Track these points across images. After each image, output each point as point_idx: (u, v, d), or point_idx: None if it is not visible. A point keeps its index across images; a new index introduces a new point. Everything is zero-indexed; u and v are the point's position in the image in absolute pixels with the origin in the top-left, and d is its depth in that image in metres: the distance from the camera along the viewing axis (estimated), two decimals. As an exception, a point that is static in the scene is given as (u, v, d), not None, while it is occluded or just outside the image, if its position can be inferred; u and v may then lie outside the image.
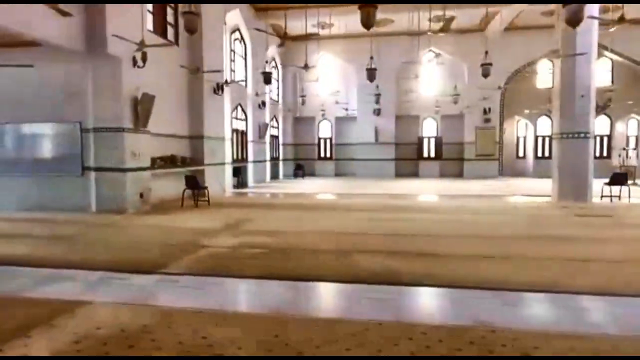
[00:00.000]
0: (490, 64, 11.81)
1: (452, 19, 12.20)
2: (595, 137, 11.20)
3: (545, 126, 19.90)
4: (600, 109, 13.99)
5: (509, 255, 5.01)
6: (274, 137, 19.71)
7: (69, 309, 3.22)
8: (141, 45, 7.59)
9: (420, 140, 21.03)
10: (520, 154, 21.02)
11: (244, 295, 3.92)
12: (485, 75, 12.02)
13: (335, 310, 3.45)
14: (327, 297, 3.86)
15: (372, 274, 4.23)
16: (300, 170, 20.51)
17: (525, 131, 20.78)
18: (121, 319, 3.04)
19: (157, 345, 2.62)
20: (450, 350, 2.58)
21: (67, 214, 8.12)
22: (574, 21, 5.91)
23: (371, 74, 12.31)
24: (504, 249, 5.40)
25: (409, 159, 20.88)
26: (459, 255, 5.00)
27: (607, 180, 10.40)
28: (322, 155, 22.22)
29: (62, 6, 6.65)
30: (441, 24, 14.27)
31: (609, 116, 18.97)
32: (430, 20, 12.85)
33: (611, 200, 10.06)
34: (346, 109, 20.80)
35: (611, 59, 18.39)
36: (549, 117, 19.11)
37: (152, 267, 4.46)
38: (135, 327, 2.89)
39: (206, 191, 9.84)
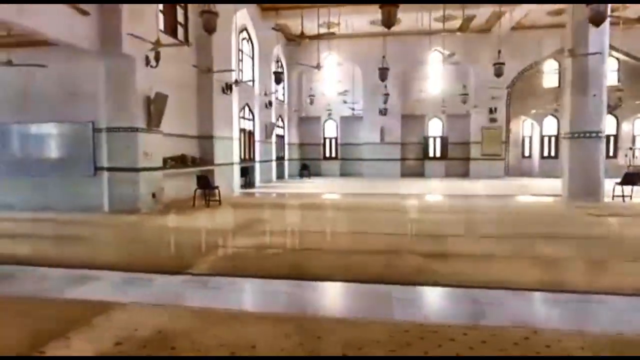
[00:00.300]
0: (503, 63, 11.76)
1: (472, 18, 12.09)
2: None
3: (551, 126, 19.86)
4: (611, 109, 13.94)
5: (531, 255, 4.98)
6: (280, 137, 19.66)
7: (102, 310, 3.19)
8: (156, 44, 7.57)
9: (425, 140, 20.99)
10: (526, 153, 20.98)
11: (274, 296, 3.87)
12: (499, 74, 11.96)
13: (369, 310, 3.38)
14: (357, 298, 3.81)
15: (392, 274, 4.20)
16: (306, 170, 20.46)
17: (531, 131, 20.73)
18: (156, 320, 3.02)
19: (198, 347, 2.59)
20: (495, 351, 2.55)
21: (80, 214, 8.09)
22: (597, 20, 5.86)
23: (383, 73, 12.25)
24: (525, 248, 5.36)
25: (414, 159, 20.85)
26: (478, 255, 4.97)
27: (615, 179, 10.38)
28: (328, 155, 22.19)
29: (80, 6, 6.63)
30: (450, 23, 14.22)
31: (615, 116, 18.90)
32: (444, 19, 12.77)
33: (623, 200, 10.02)
34: (353, 109, 20.76)
35: (617, 59, 18.34)
36: (555, 116, 19.09)
37: (175, 268, 4.43)
38: (172, 328, 2.87)
39: (217, 191, 9.83)
